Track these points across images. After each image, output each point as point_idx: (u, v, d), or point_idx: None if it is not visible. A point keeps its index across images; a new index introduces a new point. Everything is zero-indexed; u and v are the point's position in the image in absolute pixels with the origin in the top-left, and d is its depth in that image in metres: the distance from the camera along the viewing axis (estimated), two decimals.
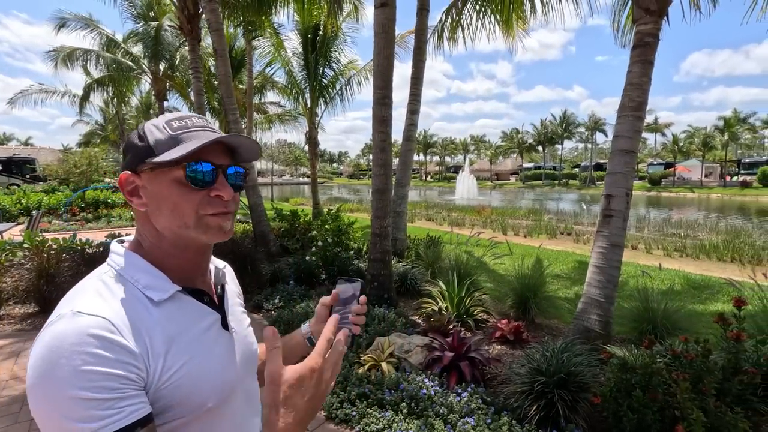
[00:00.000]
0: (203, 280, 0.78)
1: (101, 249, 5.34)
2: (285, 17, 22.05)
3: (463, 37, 8.07)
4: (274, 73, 15.97)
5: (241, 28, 12.64)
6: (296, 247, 7.67)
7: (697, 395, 2.28)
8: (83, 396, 0.54)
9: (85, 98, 17.88)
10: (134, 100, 30.38)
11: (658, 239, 10.86)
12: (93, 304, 0.62)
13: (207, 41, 12.75)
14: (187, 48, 10.68)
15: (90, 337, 0.57)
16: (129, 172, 0.70)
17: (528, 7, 6.85)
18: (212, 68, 15.00)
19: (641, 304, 4.12)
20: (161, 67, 16.98)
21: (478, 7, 7.65)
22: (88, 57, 15.56)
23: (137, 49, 16.91)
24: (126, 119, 34.54)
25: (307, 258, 6.13)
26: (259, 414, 0.83)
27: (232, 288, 0.89)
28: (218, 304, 0.78)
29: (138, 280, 0.68)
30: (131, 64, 16.63)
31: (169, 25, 14.12)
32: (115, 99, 20.26)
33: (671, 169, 50.01)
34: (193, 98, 10.50)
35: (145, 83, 18.35)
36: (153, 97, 21.57)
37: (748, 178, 42.85)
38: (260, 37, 13.81)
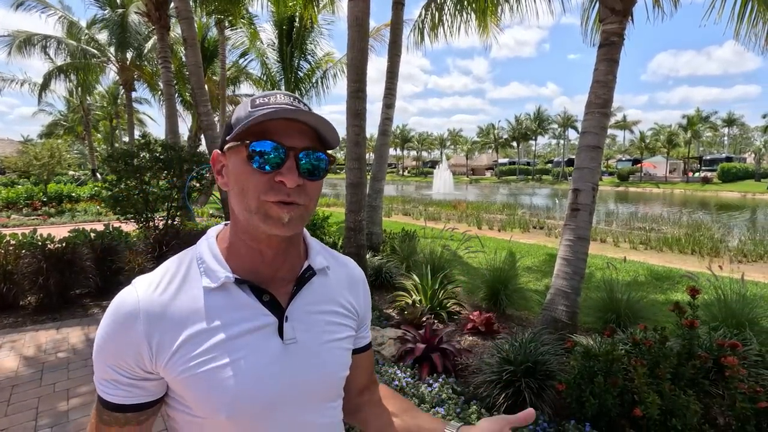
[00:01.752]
0: (281, 278, 0.70)
1: (63, 245, 5.13)
2: (259, 7, 21.61)
3: (444, 32, 8.12)
4: (247, 65, 15.65)
5: (214, 17, 12.29)
6: None
7: (654, 380, 2.40)
8: (98, 358, 0.65)
9: (44, 87, 17.04)
10: (101, 89, 29.15)
11: (625, 233, 11.28)
12: (145, 282, 0.66)
13: (178, 30, 12.34)
14: (155, 37, 10.31)
15: (114, 311, 0.64)
16: (218, 151, 0.69)
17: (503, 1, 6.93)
18: (184, 58, 14.56)
19: (606, 294, 4.28)
20: (128, 55, 16.35)
21: (456, 1, 7.68)
22: (48, 43, 14.79)
23: (102, 36, 16.20)
24: (92, 109, 33.08)
25: None
26: None
27: (327, 293, 0.75)
28: (275, 309, 0.67)
29: (202, 263, 0.68)
30: (95, 51, 15.92)
31: (136, 12, 13.57)
32: (79, 88, 19.41)
33: (638, 165, 51.90)
34: (162, 88, 10.17)
35: (111, 72, 17.64)
36: (120, 87, 20.75)
37: (708, 174, 44.92)
38: (234, 27, 13.47)
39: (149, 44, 16.08)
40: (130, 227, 7.01)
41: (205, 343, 0.62)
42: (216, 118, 13.63)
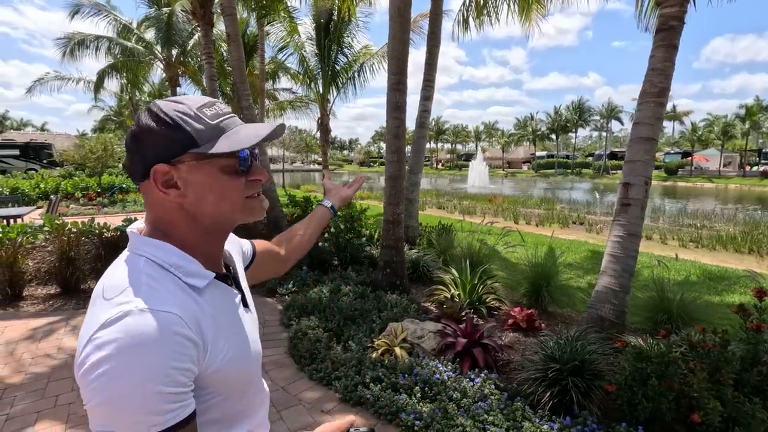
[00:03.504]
0: (221, 264, 0.79)
1: (118, 233, 5.45)
2: (298, 1, 21.88)
3: (490, 20, 7.95)
4: (286, 59, 15.87)
5: (254, 12, 12.54)
6: None
7: (714, 385, 2.27)
8: (160, 390, 0.56)
9: (99, 85, 18.03)
10: (148, 86, 30.53)
11: (673, 230, 10.69)
12: (156, 299, 0.61)
13: (220, 26, 12.70)
14: (199, 34, 10.67)
15: (169, 334, 0.58)
16: (165, 165, 0.66)
17: None
18: (225, 53, 14.95)
19: (656, 294, 4.08)
20: (173, 53, 17.00)
21: None
22: (100, 44, 15.63)
23: (150, 35, 16.93)
24: (140, 105, 34.76)
25: (320, 244, 6.16)
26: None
27: (239, 259, 0.91)
28: (235, 284, 0.80)
29: (178, 269, 0.67)
30: (143, 49, 16.68)
31: (181, 11, 14.07)
32: (129, 85, 20.41)
33: (689, 159, 48.86)
34: (205, 84, 10.51)
35: (158, 69, 18.42)
36: (166, 83, 21.66)
37: None
38: (273, 22, 13.70)
39: (192, 41, 16.66)
40: None
41: (223, 331, 0.69)
42: (255, 112, 13.96)
